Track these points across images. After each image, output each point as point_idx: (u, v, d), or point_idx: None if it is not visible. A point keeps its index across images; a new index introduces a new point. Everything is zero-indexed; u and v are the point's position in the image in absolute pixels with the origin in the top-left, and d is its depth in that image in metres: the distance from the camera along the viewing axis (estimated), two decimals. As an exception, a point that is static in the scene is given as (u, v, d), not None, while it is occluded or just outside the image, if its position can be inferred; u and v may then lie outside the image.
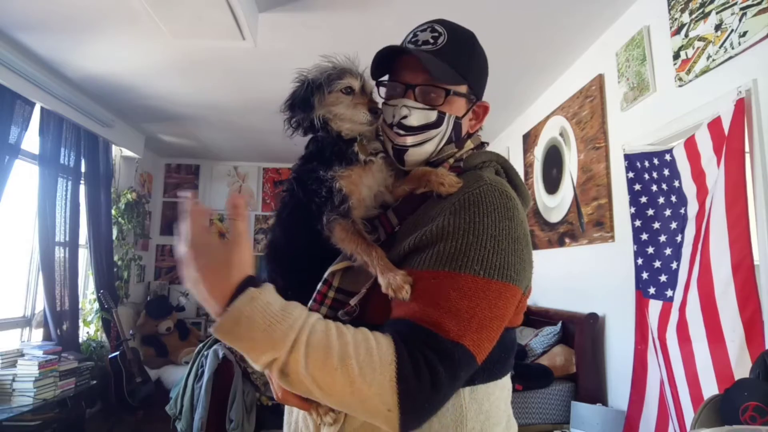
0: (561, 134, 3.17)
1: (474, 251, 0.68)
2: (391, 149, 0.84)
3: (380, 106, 0.85)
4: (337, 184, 0.78)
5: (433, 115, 0.81)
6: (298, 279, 0.82)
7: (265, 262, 0.89)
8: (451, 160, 0.84)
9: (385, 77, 0.86)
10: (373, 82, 0.87)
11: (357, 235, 0.75)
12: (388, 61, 0.84)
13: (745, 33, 1.65)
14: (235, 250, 0.62)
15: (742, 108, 1.65)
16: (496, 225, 0.70)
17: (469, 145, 0.87)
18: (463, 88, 0.83)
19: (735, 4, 1.69)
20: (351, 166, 0.81)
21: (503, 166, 0.84)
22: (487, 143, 0.91)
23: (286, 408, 0.85)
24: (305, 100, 0.84)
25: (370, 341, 0.62)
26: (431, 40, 0.81)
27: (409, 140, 0.81)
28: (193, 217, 0.63)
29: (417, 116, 0.80)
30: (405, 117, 0.80)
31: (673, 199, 2.02)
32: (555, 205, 3.22)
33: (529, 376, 2.64)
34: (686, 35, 1.94)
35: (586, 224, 2.82)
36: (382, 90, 0.88)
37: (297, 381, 0.60)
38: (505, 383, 0.81)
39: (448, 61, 0.80)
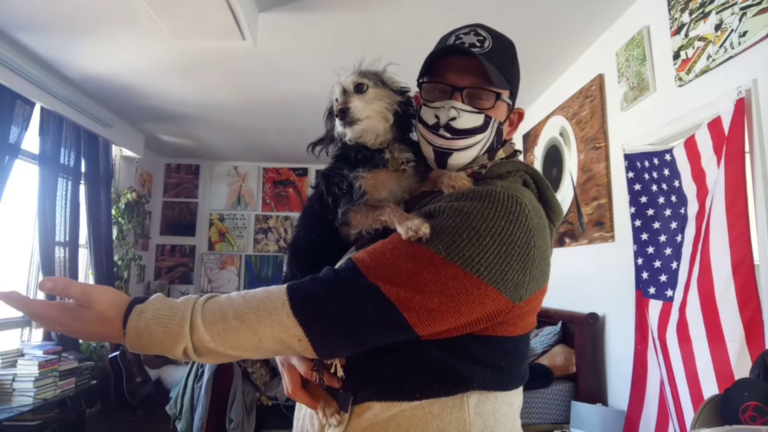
0: (561, 134, 3.17)
1: (446, 234, 0.67)
2: (432, 152, 0.81)
3: (352, 102, 0.82)
4: (358, 182, 0.79)
5: (480, 119, 0.79)
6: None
7: (287, 258, 0.91)
8: (476, 167, 0.82)
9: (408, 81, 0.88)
10: (351, 79, 0.84)
11: (370, 208, 0.77)
12: (431, 61, 0.81)
13: (745, 33, 1.65)
14: (95, 303, 0.65)
15: (742, 108, 1.65)
16: (485, 221, 0.67)
17: (501, 154, 0.84)
18: (506, 93, 0.82)
19: (735, 4, 1.69)
20: (376, 169, 0.81)
21: (533, 177, 0.80)
22: (520, 152, 0.88)
23: (296, 405, 0.86)
24: (328, 131, 0.87)
25: (260, 293, 0.68)
26: (477, 43, 0.79)
27: (457, 144, 0.79)
28: (15, 305, 0.66)
29: (466, 119, 0.79)
30: (453, 119, 0.78)
31: (673, 198, 2.02)
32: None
33: (529, 376, 2.63)
34: (686, 35, 1.94)
35: (586, 224, 2.82)
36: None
37: (212, 353, 0.66)
38: (513, 399, 0.77)
39: (495, 65, 0.78)
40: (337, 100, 0.84)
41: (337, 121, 0.82)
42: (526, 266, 0.68)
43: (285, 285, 0.68)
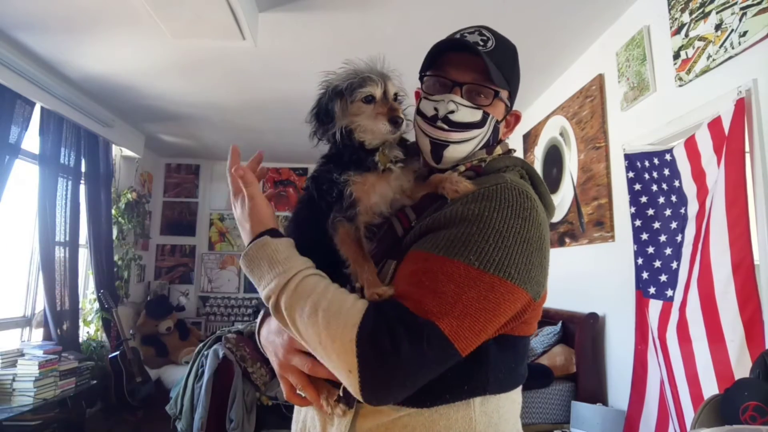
0: (561, 134, 3.17)
1: (473, 242, 0.67)
2: (428, 144, 0.82)
3: (402, 112, 0.81)
4: (348, 189, 0.77)
5: (478, 115, 0.80)
6: None
7: None
8: (475, 161, 0.83)
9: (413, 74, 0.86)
10: (396, 85, 0.83)
11: (356, 243, 0.75)
12: (434, 55, 0.83)
13: (745, 33, 1.65)
14: (251, 211, 0.77)
15: (742, 108, 1.65)
16: (505, 221, 0.68)
17: (498, 151, 0.86)
18: (505, 93, 0.84)
19: (735, 3, 1.69)
20: (366, 172, 0.79)
21: (528, 173, 0.82)
22: (515, 150, 0.89)
23: (295, 407, 0.85)
24: (327, 111, 0.81)
25: (346, 301, 0.66)
26: (481, 42, 0.81)
27: (453, 136, 0.80)
28: (234, 177, 0.79)
29: (464, 113, 0.80)
30: (452, 112, 0.79)
31: (673, 198, 2.02)
32: (555, 205, 3.23)
33: (529, 376, 2.62)
34: (686, 35, 1.94)
35: (586, 224, 2.82)
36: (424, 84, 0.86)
37: (282, 319, 0.69)
38: (515, 397, 0.79)
39: (496, 64, 0.80)
40: (372, 96, 0.79)
41: (383, 122, 0.78)
42: (542, 261, 0.71)
43: (366, 306, 0.66)
